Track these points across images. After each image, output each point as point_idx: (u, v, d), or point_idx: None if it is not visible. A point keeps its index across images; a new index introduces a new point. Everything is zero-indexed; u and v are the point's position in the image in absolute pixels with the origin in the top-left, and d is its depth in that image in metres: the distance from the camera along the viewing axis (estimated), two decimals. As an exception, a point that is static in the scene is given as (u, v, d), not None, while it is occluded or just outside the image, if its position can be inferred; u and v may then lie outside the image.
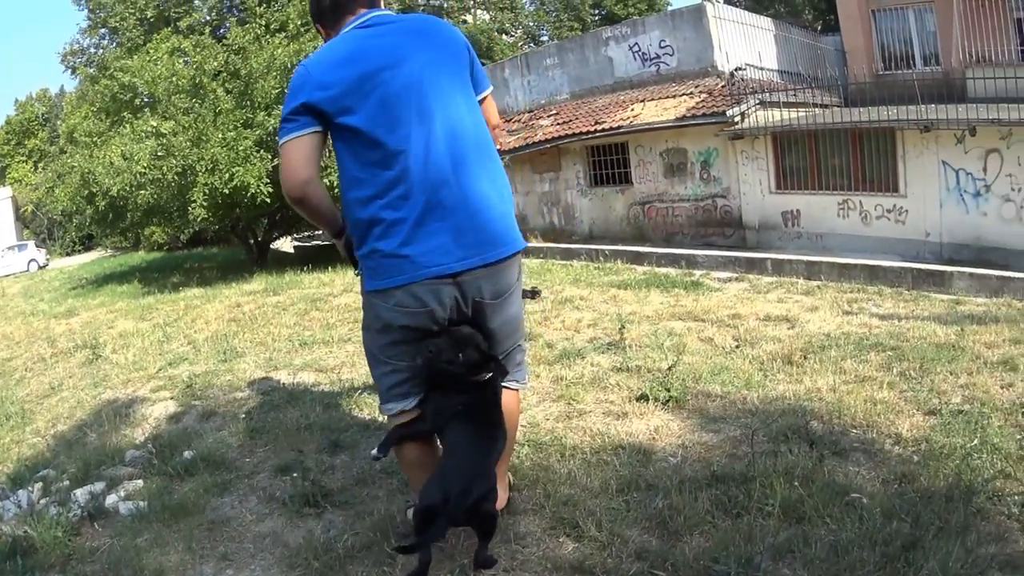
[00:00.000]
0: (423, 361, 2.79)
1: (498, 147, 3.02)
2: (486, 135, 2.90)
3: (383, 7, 2.94)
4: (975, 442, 4.37)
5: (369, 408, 5.22)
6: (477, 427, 2.86)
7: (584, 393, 5.25)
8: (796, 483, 3.73)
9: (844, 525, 3.34)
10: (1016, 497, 3.71)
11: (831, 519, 3.41)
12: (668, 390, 5.10)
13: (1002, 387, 5.64)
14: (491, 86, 3.04)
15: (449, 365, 2.76)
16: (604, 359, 6.40)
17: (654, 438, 4.41)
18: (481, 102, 2.94)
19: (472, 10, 40.58)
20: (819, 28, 31.23)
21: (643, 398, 5.09)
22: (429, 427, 2.99)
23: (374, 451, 3.09)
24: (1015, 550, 3.30)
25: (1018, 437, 4.58)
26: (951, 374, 5.94)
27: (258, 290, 13.37)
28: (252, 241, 23.15)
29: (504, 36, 39.88)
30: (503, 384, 3.05)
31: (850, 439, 4.47)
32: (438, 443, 3.11)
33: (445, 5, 38.04)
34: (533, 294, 4.20)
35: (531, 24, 42.56)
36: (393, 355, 2.88)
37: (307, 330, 8.89)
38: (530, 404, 5.09)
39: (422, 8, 36.46)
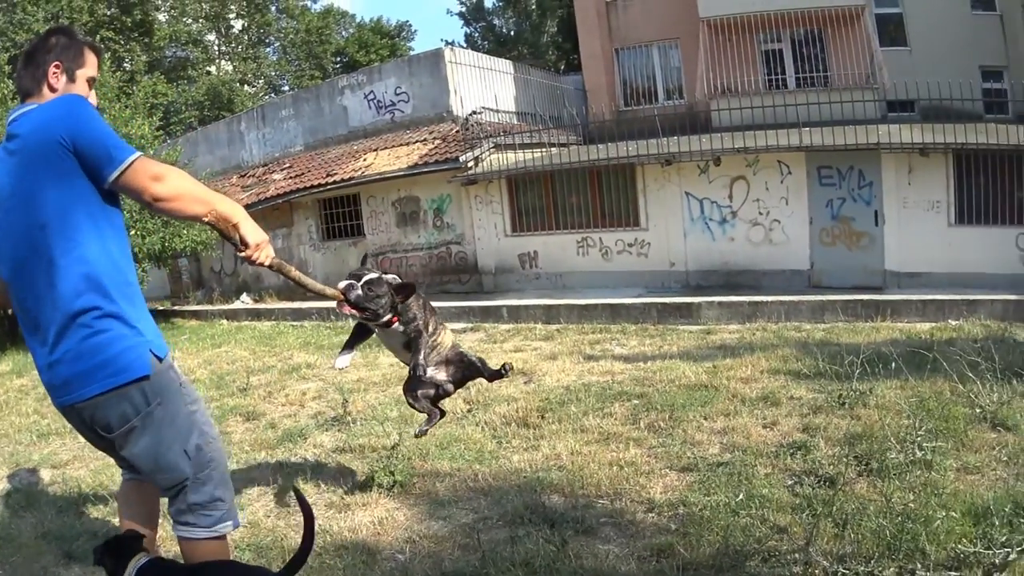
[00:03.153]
0: None
1: (184, 211, 2.81)
2: None
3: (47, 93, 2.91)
4: (740, 497, 4.36)
5: (98, 511, 5.11)
6: None
7: (305, 482, 5.21)
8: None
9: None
10: (796, 555, 3.68)
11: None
12: (392, 473, 5.00)
13: (764, 427, 5.84)
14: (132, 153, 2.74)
15: None
16: (327, 438, 6.33)
17: (379, 533, 4.34)
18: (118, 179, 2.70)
19: (216, 61, 41.71)
20: (562, 68, 33.91)
21: (366, 485, 4.98)
22: None
23: None
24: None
25: (789, 483, 4.66)
26: (706, 419, 6.09)
27: (5, 372, 12.40)
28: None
29: (246, 87, 41.17)
30: (177, 533, 3.02)
31: (596, 512, 4.34)
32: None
33: (191, 57, 38.95)
34: (502, 373, 4.72)
35: (273, 74, 44.27)
36: None
37: (44, 418, 8.26)
38: (251, 499, 5.03)
39: (168, 61, 37.80)
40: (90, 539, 4.66)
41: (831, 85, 18.47)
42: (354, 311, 4.08)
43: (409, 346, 4.44)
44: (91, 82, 3.03)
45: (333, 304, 4.02)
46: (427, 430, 4.83)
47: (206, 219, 2.78)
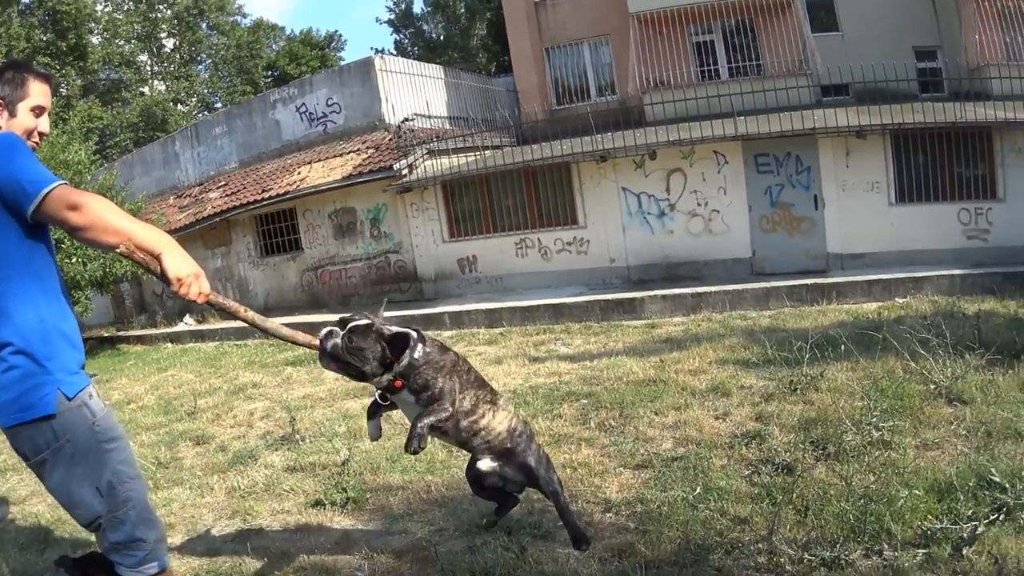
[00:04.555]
0: None
1: (98, 240, 2.76)
2: None
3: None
4: (698, 491, 4.30)
5: (59, 547, 4.91)
6: None
7: (259, 504, 5.17)
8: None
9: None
10: (760, 545, 3.63)
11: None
12: (345, 490, 5.00)
13: (716, 418, 5.81)
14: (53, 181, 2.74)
15: None
16: (278, 457, 6.24)
17: (337, 551, 4.31)
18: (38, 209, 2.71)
19: (149, 81, 41.58)
20: (493, 70, 33.95)
21: (320, 504, 4.94)
22: None
23: None
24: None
25: (746, 473, 4.62)
26: (657, 415, 6.04)
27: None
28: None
29: (179, 106, 40.96)
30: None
31: (553, 516, 4.20)
32: None
33: (124, 79, 38.84)
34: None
35: (205, 91, 44.23)
36: None
37: (1, 454, 7.92)
38: (207, 524, 4.98)
39: (102, 84, 37.53)
40: (54, 574, 4.48)
41: (764, 73, 18.67)
42: (333, 367, 3.37)
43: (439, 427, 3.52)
44: (37, 111, 3.06)
45: (283, 319, 3.71)
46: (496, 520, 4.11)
47: (119, 250, 2.71)
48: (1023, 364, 6.10)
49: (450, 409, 3.41)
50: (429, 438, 3.38)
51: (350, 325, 3.33)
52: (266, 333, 3.27)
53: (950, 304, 9.51)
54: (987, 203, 13.05)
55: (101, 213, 2.67)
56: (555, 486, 3.67)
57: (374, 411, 3.67)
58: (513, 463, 3.65)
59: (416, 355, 3.38)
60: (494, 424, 3.59)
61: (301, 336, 3.35)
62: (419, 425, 3.30)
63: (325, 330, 3.34)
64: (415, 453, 3.31)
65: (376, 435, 3.74)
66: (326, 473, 5.57)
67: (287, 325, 3.36)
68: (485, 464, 3.64)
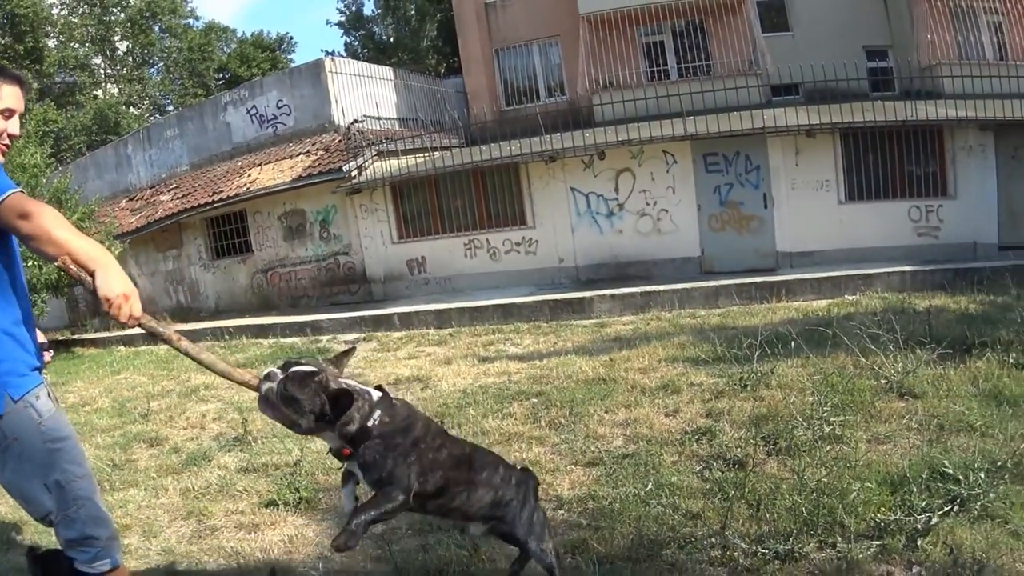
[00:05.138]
0: None
1: (41, 251, 2.77)
2: None
3: None
4: (649, 487, 4.28)
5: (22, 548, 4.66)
6: None
7: (213, 505, 5.15)
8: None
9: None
10: (713, 539, 3.62)
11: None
12: (298, 490, 4.98)
13: (667, 415, 5.77)
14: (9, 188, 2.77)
15: None
16: (231, 459, 6.19)
17: (290, 551, 4.31)
18: None
19: (103, 84, 41.38)
20: (443, 71, 33.84)
21: (273, 503, 4.90)
22: None
23: None
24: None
25: (698, 469, 4.59)
26: (607, 412, 6.02)
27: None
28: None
29: (132, 109, 40.96)
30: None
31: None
32: None
33: (78, 82, 38.73)
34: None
35: (157, 94, 44.16)
36: None
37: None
38: (162, 525, 4.96)
39: (57, 87, 37.82)
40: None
41: (714, 73, 18.81)
42: (269, 413, 2.91)
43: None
44: (7, 113, 3.03)
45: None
46: None
47: (57, 263, 2.70)
48: (975, 359, 6.16)
49: (400, 499, 2.83)
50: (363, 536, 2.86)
51: (291, 370, 2.86)
52: (201, 365, 2.99)
53: (900, 300, 9.62)
54: (938, 200, 13.31)
55: (47, 225, 2.68)
56: (550, 559, 3.23)
57: (346, 477, 3.11)
58: (500, 531, 3.25)
59: (370, 423, 2.86)
60: (472, 503, 3.11)
61: (238, 373, 2.99)
62: (354, 521, 2.78)
63: (266, 371, 2.93)
64: (340, 551, 2.86)
65: (350, 506, 3.08)
66: (279, 473, 5.52)
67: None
68: (475, 528, 3.27)
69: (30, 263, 13.92)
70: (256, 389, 2.89)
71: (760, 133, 13.58)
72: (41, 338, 3.55)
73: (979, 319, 8.19)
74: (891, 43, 19.48)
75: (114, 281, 2.69)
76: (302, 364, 2.89)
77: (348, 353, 3.19)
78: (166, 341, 2.87)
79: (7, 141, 3.04)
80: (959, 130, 13.15)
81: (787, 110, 14.73)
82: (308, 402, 2.80)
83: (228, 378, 2.99)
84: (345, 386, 2.85)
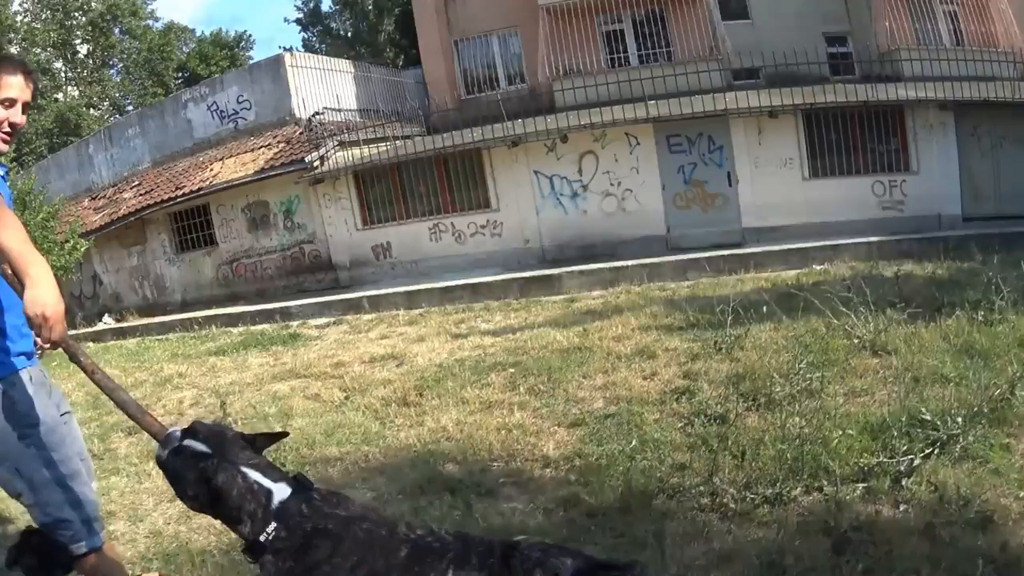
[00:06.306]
0: None
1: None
2: None
3: None
4: (634, 443, 4.32)
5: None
6: None
7: None
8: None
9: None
10: (701, 488, 3.65)
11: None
12: (283, 465, 4.82)
13: (644, 378, 5.79)
14: None
15: None
16: None
17: None
18: None
19: (63, 87, 41.07)
20: (401, 63, 33.79)
21: None
22: None
23: None
24: (723, 544, 3.18)
25: (680, 425, 4.62)
26: (585, 378, 6.04)
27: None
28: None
29: (92, 111, 40.63)
30: None
31: (494, 474, 4.23)
32: None
33: (39, 86, 36.84)
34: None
35: (117, 95, 43.81)
36: None
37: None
38: (148, 509, 4.94)
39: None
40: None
41: (675, 60, 18.79)
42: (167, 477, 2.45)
43: None
44: (7, 102, 2.97)
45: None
46: None
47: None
48: (945, 317, 6.24)
49: None
50: None
51: (183, 443, 2.36)
52: (113, 401, 2.70)
53: (869, 267, 9.77)
54: (901, 175, 13.58)
55: (3, 232, 2.59)
56: None
57: None
58: None
59: (264, 537, 2.20)
60: None
61: (147, 421, 2.65)
62: None
63: (172, 429, 2.46)
64: None
65: None
66: (263, 451, 5.42)
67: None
68: None
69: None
70: (159, 443, 2.47)
71: (723, 115, 13.72)
72: None
73: (947, 283, 8.33)
74: (850, 30, 19.57)
75: (41, 298, 2.51)
76: (198, 432, 2.37)
77: (276, 437, 2.73)
78: (84, 371, 2.66)
79: (7, 130, 2.98)
80: (919, 109, 13.38)
81: (748, 93, 14.78)
82: (191, 487, 2.32)
83: (137, 423, 2.68)
84: (241, 479, 2.26)
